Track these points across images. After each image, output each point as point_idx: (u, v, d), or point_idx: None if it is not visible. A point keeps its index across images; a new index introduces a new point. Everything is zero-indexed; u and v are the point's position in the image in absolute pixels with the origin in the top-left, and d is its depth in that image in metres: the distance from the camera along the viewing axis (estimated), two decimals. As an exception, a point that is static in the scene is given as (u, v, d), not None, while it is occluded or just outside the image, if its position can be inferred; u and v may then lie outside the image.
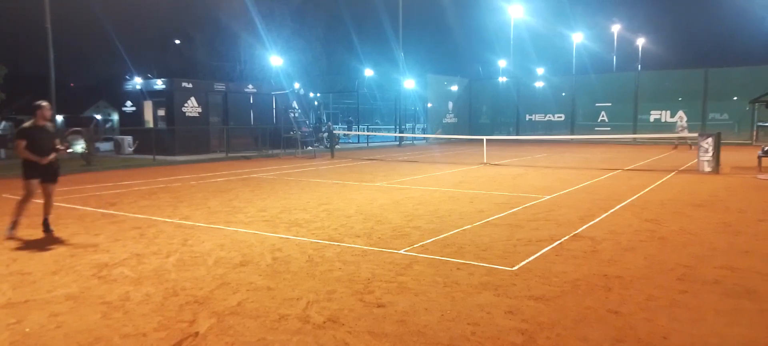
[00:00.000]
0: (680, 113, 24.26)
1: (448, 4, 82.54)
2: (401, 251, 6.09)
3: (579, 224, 7.50)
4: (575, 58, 54.56)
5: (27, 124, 7.24)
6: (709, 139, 14.10)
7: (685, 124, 22.90)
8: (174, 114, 21.88)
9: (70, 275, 5.34)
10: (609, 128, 31.77)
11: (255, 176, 14.59)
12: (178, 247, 6.45)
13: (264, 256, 5.98)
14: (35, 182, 7.22)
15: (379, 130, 43.27)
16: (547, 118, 35.34)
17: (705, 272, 5.22)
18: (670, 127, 29.92)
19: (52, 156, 7.28)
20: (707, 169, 13.93)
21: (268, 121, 25.39)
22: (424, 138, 33.63)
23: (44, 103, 7.23)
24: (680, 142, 23.19)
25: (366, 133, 33.87)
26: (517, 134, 34.41)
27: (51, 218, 7.44)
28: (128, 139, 22.76)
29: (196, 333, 3.89)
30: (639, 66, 55.42)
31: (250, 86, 25.91)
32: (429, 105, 37.43)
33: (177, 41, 43.57)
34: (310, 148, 25.04)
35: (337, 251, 6.17)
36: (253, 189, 11.74)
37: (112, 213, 8.84)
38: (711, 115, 29.74)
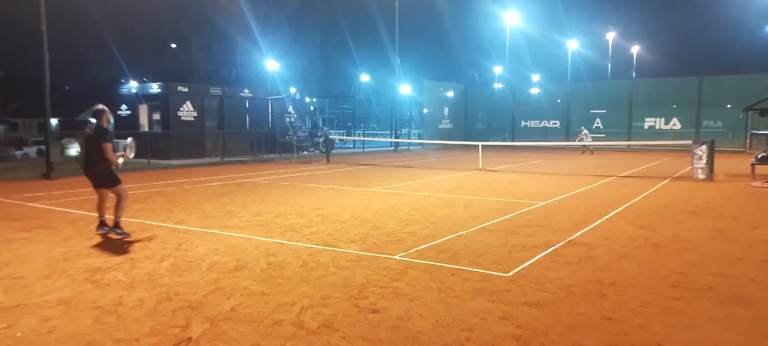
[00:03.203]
0: (585, 131, 27.09)
1: (445, 11, 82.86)
2: (396, 257, 6.08)
3: (573, 231, 7.51)
4: (570, 65, 54.89)
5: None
6: (703, 147, 14.16)
7: (588, 135, 26.95)
8: (169, 118, 21.79)
9: (62, 279, 5.30)
10: (603, 135, 31.90)
11: (250, 180, 14.56)
12: (171, 251, 6.42)
13: (258, 261, 5.96)
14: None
15: (375, 135, 43.24)
16: (542, 125, 35.43)
17: (699, 279, 5.24)
18: (664, 134, 30.20)
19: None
20: (701, 176, 14.00)
21: (263, 126, 25.34)
22: (420, 143, 33.65)
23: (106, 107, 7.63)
24: (585, 149, 27.01)
25: (362, 138, 33.86)
26: (513, 140, 34.50)
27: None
28: (123, 142, 22.64)
29: (189, 338, 3.87)
30: (634, 73, 55.67)
31: (246, 91, 25.87)
32: (425, 110, 37.48)
33: (173, 45, 43.48)
34: (305, 153, 25.00)
35: (332, 256, 6.15)
36: (248, 193, 11.71)
37: (106, 217, 8.77)
38: (705, 123, 29.86)
